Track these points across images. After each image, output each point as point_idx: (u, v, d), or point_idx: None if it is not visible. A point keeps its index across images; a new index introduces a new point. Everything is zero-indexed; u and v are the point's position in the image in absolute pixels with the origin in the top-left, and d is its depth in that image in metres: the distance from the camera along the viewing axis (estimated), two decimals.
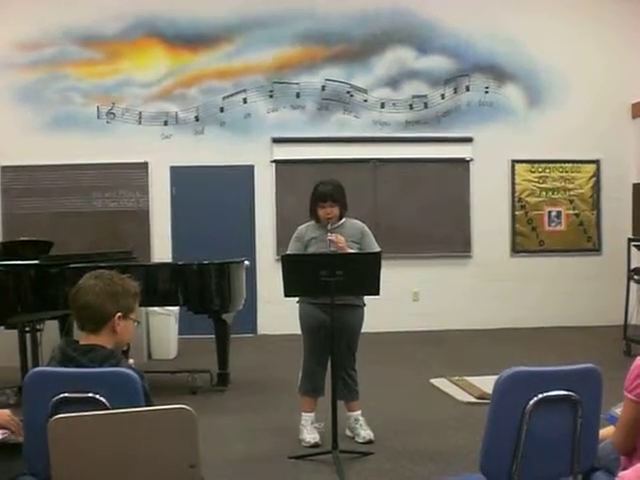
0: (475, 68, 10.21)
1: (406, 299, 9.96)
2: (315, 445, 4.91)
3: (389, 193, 10.03)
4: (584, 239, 10.43)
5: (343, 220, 5.08)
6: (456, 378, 6.70)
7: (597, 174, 10.40)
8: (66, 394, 2.51)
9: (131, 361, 2.89)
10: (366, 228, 5.12)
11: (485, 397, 5.61)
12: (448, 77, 10.21)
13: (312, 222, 5.10)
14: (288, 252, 5.02)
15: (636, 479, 1.65)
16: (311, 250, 4.98)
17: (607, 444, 2.81)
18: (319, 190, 5.03)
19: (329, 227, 4.94)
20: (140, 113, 9.88)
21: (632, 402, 2.61)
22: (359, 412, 5.13)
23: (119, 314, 2.74)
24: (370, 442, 4.96)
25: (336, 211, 4.98)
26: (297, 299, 5.02)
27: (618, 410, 2.88)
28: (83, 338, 2.75)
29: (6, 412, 2.90)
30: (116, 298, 2.74)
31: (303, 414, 5.08)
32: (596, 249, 10.42)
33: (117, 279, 2.80)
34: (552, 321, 9.90)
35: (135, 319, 2.84)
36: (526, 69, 10.23)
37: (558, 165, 10.33)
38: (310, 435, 4.98)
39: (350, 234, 4.98)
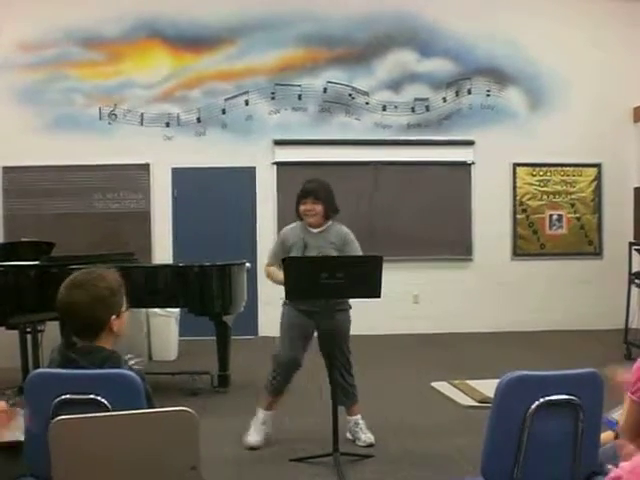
0: (477, 71, 10.22)
1: (406, 302, 9.95)
2: (252, 448, 4.91)
3: (390, 196, 10.03)
4: (585, 243, 10.43)
5: (329, 223, 5.02)
6: (457, 381, 6.70)
7: (598, 178, 10.40)
8: (67, 396, 2.51)
9: (129, 357, 2.86)
10: (351, 235, 5.04)
11: (486, 401, 5.60)
12: (450, 80, 10.22)
13: (297, 223, 5.08)
14: (270, 254, 5.08)
15: (631, 468, 1.68)
16: (293, 255, 4.94)
17: (608, 448, 2.80)
18: (303, 187, 5.02)
19: (314, 231, 4.93)
20: (142, 114, 9.88)
21: (635, 404, 2.60)
22: (359, 416, 5.12)
23: (113, 316, 2.70)
24: (371, 445, 4.96)
25: (318, 209, 4.92)
26: (282, 301, 5.02)
27: (615, 415, 2.88)
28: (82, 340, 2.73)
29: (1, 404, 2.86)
30: (106, 303, 2.67)
31: (260, 410, 5.06)
32: (597, 253, 10.42)
33: (99, 281, 2.69)
34: (553, 325, 9.89)
35: (127, 309, 2.78)
36: (528, 72, 10.24)
37: (559, 168, 10.33)
38: (252, 436, 4.99)
39: (332, 240, 4.93)
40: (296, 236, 5.00)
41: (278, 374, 5.01)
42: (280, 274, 4.80)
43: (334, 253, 4.88)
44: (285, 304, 5.03)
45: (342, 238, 4.98)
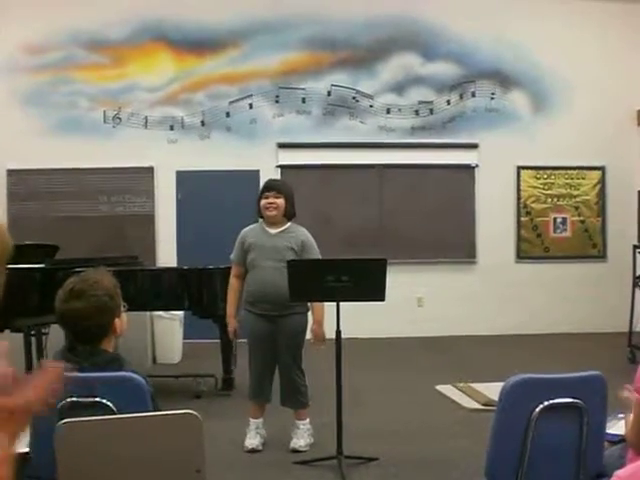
0: (481, 74, 10.22)
1: (411, 305, 9.94)
2: (252, 451, 4.93)
3: (394, 199, 10.03)
4: (589, 246, 10.41)
5: (288, 225, 5.01)
6: (461, 384, 6.69)
7: (602, 181, 10.39)
8: (73, 398, 2.51)
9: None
10: (309, 239, 4.98)
11: (491, 404, 5.59)
12: (454, 83, 10.22)
13: (256, 224, 5.09)
14: (232, 257, 5.09)
15: (629, 476, 1.68)
16: (251, 256, 4.94)
17: (613, 451, 2.80)
18: (265, 183, 5.15)
19: (272, 231, 4.93)
20: (146, 117, 9.90)
21: None
22: (307, 420, 5.07)
23: (117, 319, 2.72)
24: (294, 451, 4.92)
25: (280, 202, 4.92)
26: (244, 306, 5.05)
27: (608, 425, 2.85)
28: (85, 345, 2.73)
29: None
30: (108, 309, 2.69)
31: (250, 419, 5.09)
32: (601, 256, 10.40)
33: (98, 289, 2.69)
34: (557, 328, 9.88)
35: (125, 308, 2.79)
36: (532, 75, 10.23)
37: (563, 171, 10.32)
38: (250, 440, 5.00)
39: (291, 244, 4.88)
40: (254, 236, 5.01)
41: (252, 381, 5.07)
42: (231, 295, 5.04)
43: (292, 257, 4.80)
44: (245, 309, 5.05)
45: (301, 243, 4.91)
